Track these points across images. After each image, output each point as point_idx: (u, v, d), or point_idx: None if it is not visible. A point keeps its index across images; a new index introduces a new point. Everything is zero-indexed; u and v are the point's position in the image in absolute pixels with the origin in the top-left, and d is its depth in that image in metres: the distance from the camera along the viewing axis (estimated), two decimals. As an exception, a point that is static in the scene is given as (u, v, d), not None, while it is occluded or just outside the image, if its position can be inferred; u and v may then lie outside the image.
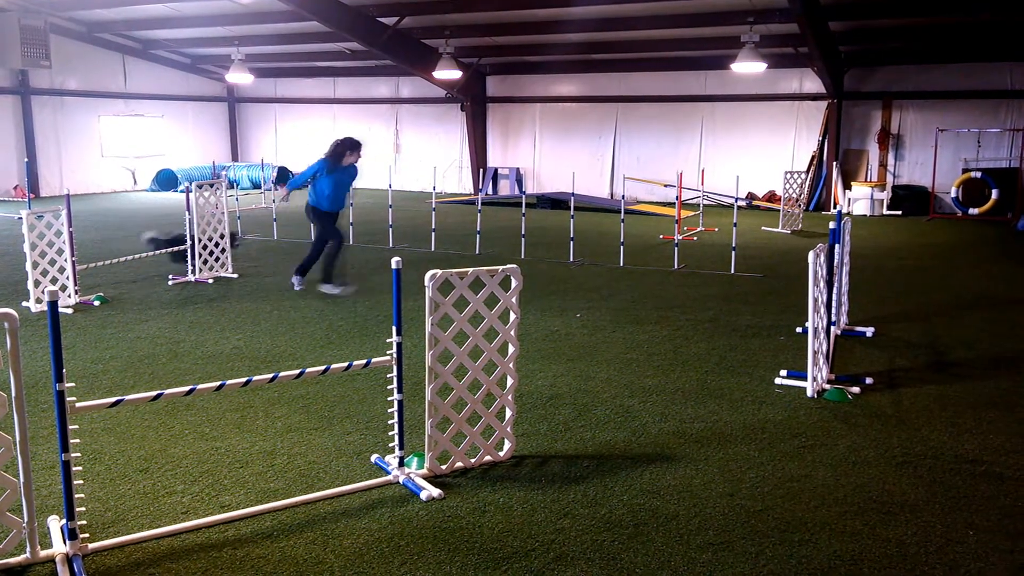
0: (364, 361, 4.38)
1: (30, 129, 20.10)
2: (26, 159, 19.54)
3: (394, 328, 4.33)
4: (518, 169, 21.77)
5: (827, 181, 18.28)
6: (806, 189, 18.01)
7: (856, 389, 5.84)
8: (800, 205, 15.22)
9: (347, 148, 8.93)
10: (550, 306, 8.56)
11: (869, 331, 7.48)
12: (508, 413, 4.66)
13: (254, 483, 4.35)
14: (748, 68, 15.86)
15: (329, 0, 15.70)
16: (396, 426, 4.40)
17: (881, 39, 16.86)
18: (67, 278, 8.40)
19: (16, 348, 3.37)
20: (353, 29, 16.73)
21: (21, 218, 8.08)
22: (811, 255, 5.64)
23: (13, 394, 3.41)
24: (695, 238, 13.65)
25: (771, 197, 18.71)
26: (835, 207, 16.99)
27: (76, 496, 3.57)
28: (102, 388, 5.86)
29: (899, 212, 17.45)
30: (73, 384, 3.65)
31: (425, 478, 4.37)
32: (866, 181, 18.01)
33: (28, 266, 8.12)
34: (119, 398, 3.81)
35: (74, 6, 18.28)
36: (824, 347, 6.06)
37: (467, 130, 21.89)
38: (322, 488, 4.27)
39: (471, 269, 4.37)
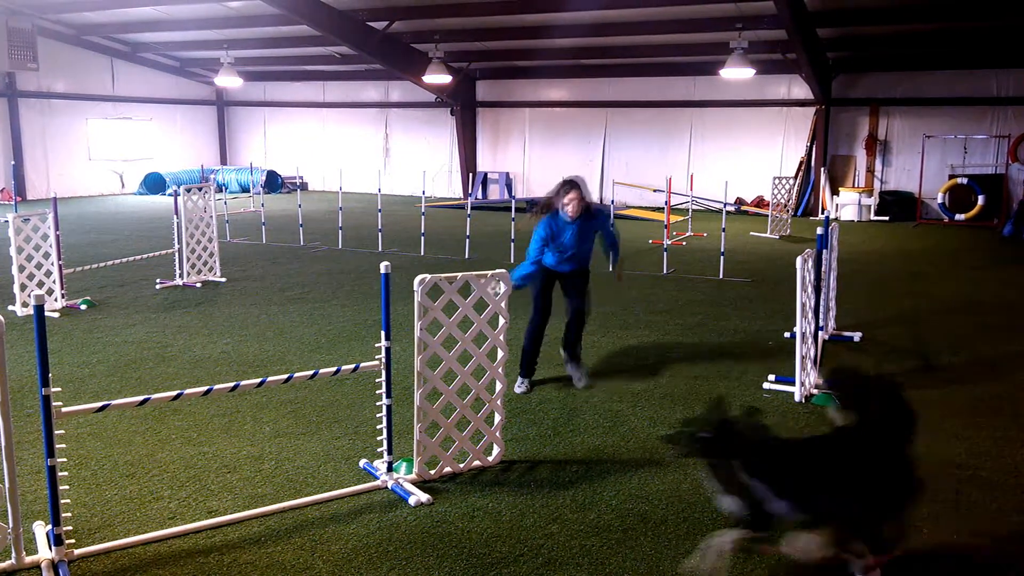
0: (352, 366, 4.37)
1: (17, 132, 19.98)
2: (13, 162, 19.41)
3: (383, 332, 4.32)
4: (508, 173, 21.78)
5: (815, 186, 18.37)
6: (794, 194, 18.09)
7: (843, 394, 5.85)
8: (788, 210, 15.29)
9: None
10: (539, 311, 8.55)
11: (856, 336, 7.51)
12: (497, 418, 4.65)
13: (242, 488, 4.33)
14: (737, 74, 15.94)
15: (319, 4, 15.68)
16: (385, 431, 4.39)
17: (868, 46, 16.97)
18: (54, 282, 8.34)
19: (1, 352, 3.34)
20: (343, 33, 16.71)
21: (7, 221, 8.03)
22: (799, 260, 5.67)
23: (-2, 399, 3.39)
24: (684, 243, 13.69)
25: (759, 202, 18.79)
26: (823, 212, 17.07)
27: (62, 501, 3.54)
28: (88, 393, 5.82)
29: (886, 218, 17.55)
30: (59, 389, 3.63)
31: (414, 483, 4.36)
32: (854, 187, 18.11)
33: (14, 269, 8.07)
34: (105, 403, 3.79)
35: (62, 8, 18.18)
36: (812, 352, 6.09)
37: (457, 134, 21.90)
38: (310, 493, 4.26)
39: (460, 274, 4.37)
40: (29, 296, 8.06)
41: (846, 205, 17.73)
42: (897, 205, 17.68)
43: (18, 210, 9.74)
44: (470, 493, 4.30)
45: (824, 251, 6.53)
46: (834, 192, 18.16)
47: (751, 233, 15.16)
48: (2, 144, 19.85)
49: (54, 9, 18.24)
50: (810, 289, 6.02)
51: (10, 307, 8.23)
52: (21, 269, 8.10)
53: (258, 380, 4.19)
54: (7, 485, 3.45)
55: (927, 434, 5.15)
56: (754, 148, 19.26)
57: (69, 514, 3.66)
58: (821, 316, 6.70)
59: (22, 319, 7.94)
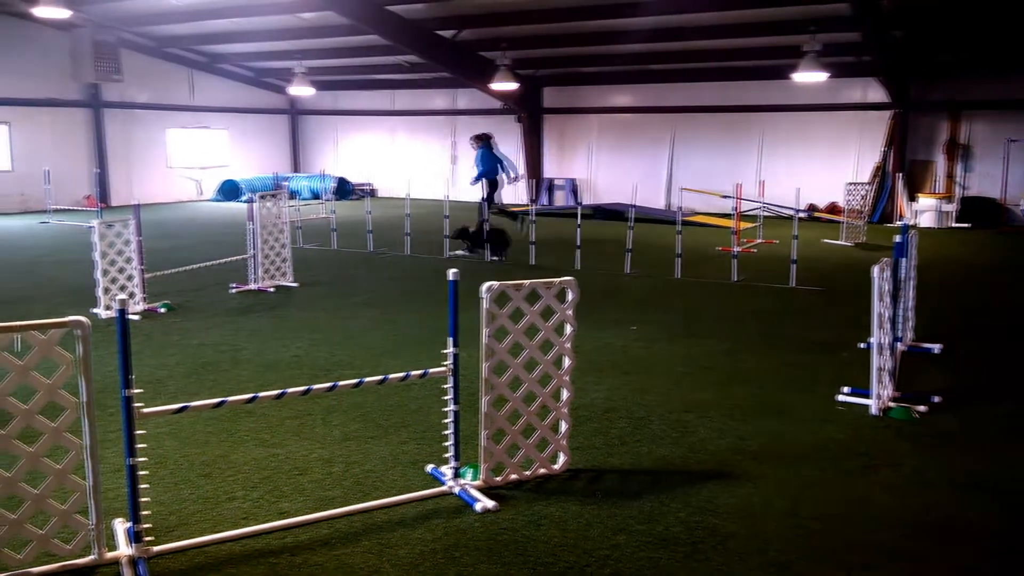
0: (421, 371, 4.41)
1: (101, 141, 20.82)
2: (97, 169, 20.23)
3: (450, 339, 4.35)
4: (574, 180, 21.74)
5: (891, 192, 17.84)
6: (869, 201, 17.60)
7: (922, 408, 5.66)
8: (863, 217, 14.88)
9: None
10: (605, 318, 8.51)
11: (936, 348, 7.25)
12: (563, 426, 4.63)
13: (312, 490, 4.40)
14: (809, 78, 15.59)
15: (388, 14, 15.93)
16: (451, 437, 4.41)
17: (947, 47, 16.41)
18: (135, 286, 8.65)
19: (88, 354, 3.47)
20: (412, 42, 16.95)
21: (92, 227, 8.36)
22: (875, 269, 5.51)
23: (84, 399, 3.52)
24: (755, 250, 13.44)
25: (832, 209, 18.34)
26: (900, 219, 16.58)
27: (141, 500, 3.66)
28: (167, 394, 6.01)
29: (968, 224, 16.93)
30: (141, 390, 3.75)
31: (479, 489, 4.37)
32: (932, 193, 17.54)
33: (98, 273, 8.39)
34: (184, 404, 3.90)
35: (145, 22, 18.90)
36: (889, 364, 5.91)
37: (523, 141, 21.96)
38: (378, 497, 4.31)
39: (527, 281, 4.36)
40: (112, 299, 8.39)
41: (924, 211, 17.18)
42: (979, 211, 17.05)
43: (102, 216, 10.12)
44: (536, 501, 4.29)
45: (902, 259, 6.33)
46: (912, 198, 17.60)
47: (823, 240, 14.79)
48: (87, 153, 20.70)
49: (138, 22, 18.96)
50: (887, 298, 5.84)
51: (93, 310, 8.54)
52: (105, 273, 8.42)
53: (329, 384, 4.26)
54: (91, 483, 3.57)
55: (1010, 453, 4.94)
56: (827, 153, 18.81)
57: (148, 512, 3.78)
58: (899, 327, 6.50)
59: (104, 321, 8.24)
